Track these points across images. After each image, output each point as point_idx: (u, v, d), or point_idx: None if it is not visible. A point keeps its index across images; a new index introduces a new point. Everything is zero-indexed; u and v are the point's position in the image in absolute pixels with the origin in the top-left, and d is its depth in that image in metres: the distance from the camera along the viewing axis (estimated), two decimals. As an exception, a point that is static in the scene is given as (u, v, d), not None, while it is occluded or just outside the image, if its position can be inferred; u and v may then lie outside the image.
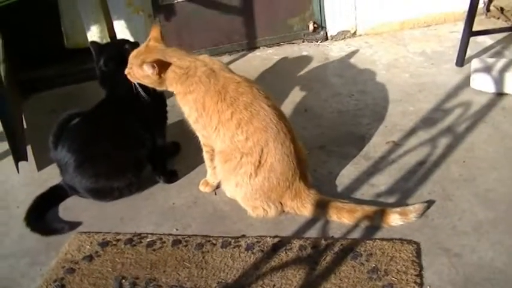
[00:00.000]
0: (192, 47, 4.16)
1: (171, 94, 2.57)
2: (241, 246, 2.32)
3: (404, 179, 2.62)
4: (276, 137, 2.39)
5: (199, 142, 2.64)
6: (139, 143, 2.73)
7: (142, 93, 2.57)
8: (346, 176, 2.71)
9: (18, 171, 2.94)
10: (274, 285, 2.10)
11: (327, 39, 4.40)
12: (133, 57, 2.52)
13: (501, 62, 3.29)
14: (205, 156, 2.67)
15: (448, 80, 3.45)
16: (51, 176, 2.91)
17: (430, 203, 2.41)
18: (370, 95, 3.42)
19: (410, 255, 2.14)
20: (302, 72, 3.90)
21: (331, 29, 4.37)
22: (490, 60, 3.37)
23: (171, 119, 2.88)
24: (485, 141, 2.81)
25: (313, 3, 4.38)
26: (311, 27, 4.43)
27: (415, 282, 2.02)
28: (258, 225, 2.45)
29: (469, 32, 3.51)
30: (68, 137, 2.68)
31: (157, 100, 2.80)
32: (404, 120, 3.08)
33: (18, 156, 2.94)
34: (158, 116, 2.84)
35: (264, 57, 4.27)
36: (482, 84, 3.24)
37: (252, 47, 4.44)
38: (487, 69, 3.25)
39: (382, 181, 2.62)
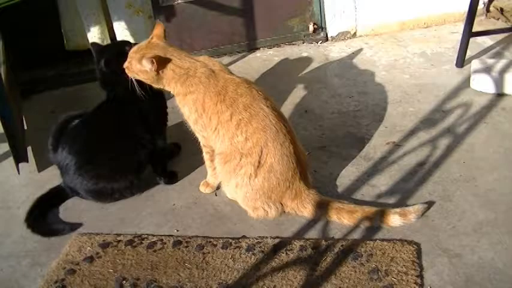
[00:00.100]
0: (192, 48, 4.18)
1: (172, 96, 2.57)
2: (242, 247, 2.32)
3: (404, 179, 2.62)
4: (275, 137, 2.39)
5: (200, 143, 2.64)
6: (139, 145, 2.73)
7: (138, 89, 2.57)
8: (346, 176, 2.71)
9: (18, 172, 2.96)
10: (274, 286, 2.10)
11: (327, 40, 4.41)
12: (133, 51, 2.53)
13: (501, 63, 3.29)
14: (206, 157, 2.67)
15: (448, 81, 3.45)
16: (52, 177, 2.91)
17: (430, 204, 2.41)
18: (370, 96, 3.43)
19: (411, 255, 2.14)
20: (302, 73, 3.91)
21: (331, 30, 4.38)
22: (490, 61, 3.37)
23: (171, 120, 2.89)
24: (485, 142, 2.81)
25: (314, 4, 4.38)
26: (311, 28, 4.43)
27: (416, 283, 2.02)
28: (258, 226, 2.45)
29: (469, 32, 3.52)
30: (69, 138, 2.69)
31: (158, 101, 2.80)
32: (404, 121, 3.09)
33: (19, 157, 2.95)
34: (159, 117, 2.84)
35: (264, 58, 4.28)
36: (482, 85, 3.24)
37: (252, 48, 4.44)
38: (487, 70, 3.26)
39: (382, 182, 2.63)
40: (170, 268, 2.26)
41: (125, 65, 2.53)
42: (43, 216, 2.69)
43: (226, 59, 4.31)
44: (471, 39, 3.56)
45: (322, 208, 2.41)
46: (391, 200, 2.50)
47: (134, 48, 2.55)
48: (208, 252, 2.32)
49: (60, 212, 2.75)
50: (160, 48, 2.51)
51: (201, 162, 2.73)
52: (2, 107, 2.87)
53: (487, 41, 3.89)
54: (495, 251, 2.13)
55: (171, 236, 2.46)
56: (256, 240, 2.34)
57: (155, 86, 2.56)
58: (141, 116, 2.73)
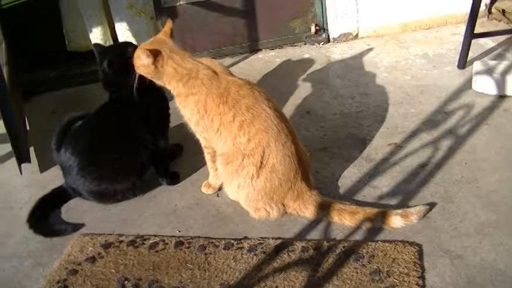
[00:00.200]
0: (194, 50, 4.18)
1: (173, 96, 2.58)
2: (244, 248, 2.32)
3: (406, 181, 2.62)
4: (278, 137, 2.39)
5: (202, 144, 2.64)
6: (142, 146, 2.73)
7: (135, 91, 2.59)
8: (348, 177, 2.71)
9: (21, 173, 2.96)
10: (276, 287, 2.10)
11: (329, 41, 4.41)
12: (140, 47, 2.55)
13: (503, 64, 3.29)
14: (207, 158, 2.68)
15: (450, 82, 3.45)
16: (54, 178, 2.92)
17: (432, 205, 2.41)
18: (372, 97, 3.43)
19: (413, 257, 2.14)
20: (304, 75, 3.91)
21: (333, 32, 4.38)
22: (492, 63, 3.37)
23: (173, 121, 2.89)
24: (487, 143, 2.81)
25: (315, 6, 4.39)
26: (313, 29, 4.44)
27: (417, 284, 2.02)
28: (260, 227, 2.45)
29: (471, 34, 3.52)
30: (72, 139, 2.69)
31: (160, 102, 2.81)
32: (406, 123, 3.09)
33: (21, 158, 2.95)
34: (161, 118, 2.84)
35: (266, 59, 4.28)
36: (484, 86, 3.24)
37: (254, 49, 4.44)
38: (489, 71, 3.25)
39: (384, 183, 2.63)
40: (172, 269, 2.26)
41: (133, 60, 2.56)
42: (45, 217, 2.69)
43: (228, 60, 4.31)
44: (473, 41, 3.56)
45: (324, 209, 2.41)
46: (393, 201, 2.50)
47: (142, 44, 2.59)
48: (210, 253, 2.32)
49: (62, 213, 2.75)
50: (162, 44, 2.53)
51: (203, 163, 2.73)
52: (5, 108, 2.87)
53: (488, 42, 3.89)
54: (497, 252, 2.13)
55: (173, 236, 2.46)
56: (258, 241, 2.35)
57: (157, 82, 2.57)
58: (143, 117, 2.73)
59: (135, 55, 2.53)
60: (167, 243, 2.41)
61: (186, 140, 2.78)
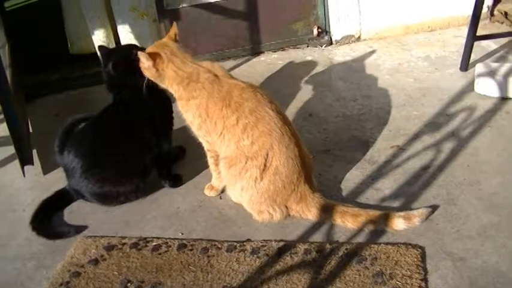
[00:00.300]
0: (196, 52, 4.18)
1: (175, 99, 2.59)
2: (247, 250, 2.32)
3: (408, 183, 2.62)
4: (281, 140, 2.40)
5: (204, 147, 2.65)
6: (145, 148, 2.74)
7: (144, 87, 2.59)
8: (350, 180, 2.71)
9: (24, 175, 2.97)
10: (279, 289, 2.11)
11: (331, 43, 4.42)
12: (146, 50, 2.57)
13: (505, 67, 3.29)
14: (210, 161, 2.68)
15: (452, 85, 3.45)
16: (57, 180, 2.92)
17: (434, 207, 2.41)
18: (374, 100, 3.43)
19: (415, 259, 2.14)
20: (306, 77, 3.91)
21: (336, 34, 4.38)
22: (494, 65, 3.37)
23: (176, 123, 2.89)
24: (490, 146, 2.81)
25: (318, 8, 4.39)
26: (315, 31, 4.44)
27: (420, 286, 2.02)
28: (263, 229, 2.46)
29: (473, 36, 3.52)
30: (75, 141, 2.69)
31: (164, 104, 2.81)
32: (409, 125, 3.09)
33: (24, 160, 2.96)
34: (165, 120, 2.85)
35: (269, 62, 4.28)
36: (487, 88, 3.24)
37: (256, 51, 4.45)
38: (491, 73, 3.26)
39: (386, 185, 2.63)
40: (175, 271, 2.27)
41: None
42: (48, 219, 2.69)
43: (230, 63, 4.32)
44: (475, 43, 3.56)
45: (326, 211, 2.41)
46: (396, 204, 2.50)
47: (148, 47, 2.60)
48: (213, 255, 2.32)
49: (65, 215, 2.76)
50: (164, 47, 2.54)
51: (206, 165, 2.74)
52: (8, 110, 2.88)
53: (491, 44, 3.89)
54: (499, 254, 2.13)
55: (176, 239, 2.47)
56: (260, 244, 2.35)
57: (160, 84, 2.58)
58: (147, 119, 2.74)
59: (139, 58, 2.54)
60: (170, 246, 2.41)
61: (189, 142, 2.78)
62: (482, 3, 3.46)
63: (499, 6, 4.34)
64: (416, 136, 2.98)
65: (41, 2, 5.64)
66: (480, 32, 3.59)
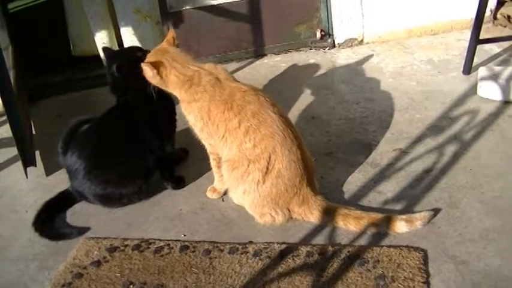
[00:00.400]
0: (199, 54, 4.19)
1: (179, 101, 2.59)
2: (249, 252, 2.32)
3: (411, 186, 2.62)
4: (283, 143, 2.40)
5: (207, 149, 2.65)
6: (148, 150, 2.74)
7: (153, 92, 2.60)
8: (353, 183, 2.71)
9: (26, 176, 2.97)
10: (281, 292, 2.11)
11: (334, 46, 4.42)
12: (145, 61, 2.56)
13: (508, 70, 3.29)
14: (212, 163, 2.68)
15: (455, 88, 3.45)
16: (60, 182, 2.93)
17: (436, 211, 2.41)
18: (377, 103, 3.43)
19: (417, 262, 2.14)
20: (309, 80, 3.91)
21: (339, 37, 4.38)
22: (497, 68, 3.37)
23: (179, 125, 2.89)
24: (492, 149, 2.81)
25: (321, 11, 4.39)
26: (318, 34, 4.44)
27: (422, 289, 2.03)
28: (265, 232, 2.46)
29: (476, 40, 3.52)
30: (78, 143, 2.70)
31: (167, 106, 2.81)
32: (411, 128, 3.09)
33: (27, 161, 2.96)
34: (168, 122, 2.85)
35: (272, 64, 4.28)
36: (489, 92, 3.24)
37: (259, 54, 4.45)
38: (494, 77, 3.26)
39: (389, 188, 2.63)
40: (177, 273, 2.27)
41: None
42: (51, 220, 2.70)
43: (233, 65, 4.32)
44: (478, 47, 3.56)
45: (329, 214, 2.41)
46: (398, 207, 2.50)
47: (148, 55, 2.59)
48: (215, 257, 2.32)
49: (67, 216, 2.76)
50: (165, 53, 2.53)
51: (208, 167, 2.74)
52: (11, 111, 2.89)
53: (494, 48, 3.89)
54: (502, 257, 2.13)
55: (178, 240, 2.47)
56: (263, 246, 2.35)
57: (165, 89, 2.58)
58: (150, 121, 2.74)
59: (143, 68, 2.53)
60: (172, 248, 2.42)
61: (192, 144, 2.78)
62: (485, 6, 3.46)
63: (502, 10, 4.34)
64: (418, 139, 2.98)
65: (44, 3, 5.65)
66: (483, 35, 3.59)
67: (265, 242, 2.37)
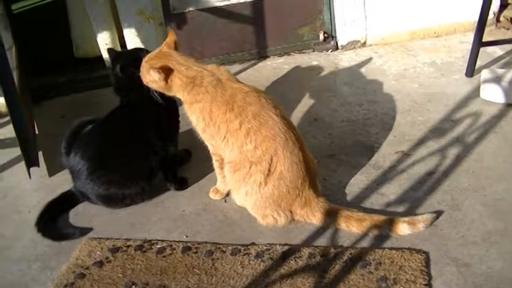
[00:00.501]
0: (202, 56, 4.20)
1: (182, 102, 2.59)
2: (251, 253, 2.33)
3: (413, 188, 2.62)
4: (285, 145, 2.40)
5: (210, 150, 2.65)
6: (152, 151, 2.74)
7: (156, 96, 2.60)
8: (355, 185, 2.71)
9: (29, 177, 2.97)
10: (283, 293, 2.11)
11: (337, 48, 4.41)
12: (144, 61, 2.56)
13: (511, 73, 3.29)
14: (215, 164, 2.69)
15: (458, 91, 3.45)
16: (63, 182, 2.93)
17: (439, 213, 2.41)
18: (379, 105, 3.43)
19: (419, 264, 2.14)
20: (312, 82, 3.92)
21: (342, 39, 4.38)
22: (500, 71, 3.37)
23: (182, 126, 2.89)
24: (495, 152, 2.81)
25: (324, 13, 4.39)
26: (321, 36, 4.44)
27: (424, 292, 2.03)
28: (267, 233, 2.46)
29: (479, 42, 3.52)
30: (82, 143, 2.70)
31: (171, 107, 2.82)
32: (414, 130, 3.09)
33: (30, 161, 2.97)
34: (171, 123, 2.85)
35: (275, 66, 4.29)
36: (492, 94, 3.24)
37: (262, 56, 4.45)
38: (497, 79, 3.26)
39: (391, 190, 2.63)
40: (179, 274, 2.27)
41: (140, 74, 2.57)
42: (53, 221, 2.71)
43: (236, 67, 4.32)
44: (481, 49, 3.56)
45: (331, 216, 2.42)
46: (400, 209, 2.50)
47: (146, 58, 2.58)
48: (218, 259, 2.33)
49: (70, 217, 2.77)
50: (168, 57, 2.53)
51: (211, 169, 2.74)
52: (15, 112, 2.89)
53: (497, 50, 3.89)
54: (504, 260, 2.13)
55: (181, 241, 2.47)
56: (265, 247, 2.35)
57: (167, 93, 2.58)
58: (153, 122, 2.75)
59: (144, 70, 2.53)
60: (174, 248, 2.42)
61: (195, 145, 2.79)
62: (489, 9, 3.46)
63: (505, 13, 4.34)
64: (421, 141, 2.98)
65: (48, 4, 5.66)
66: (486, 38, 3.58)
67: (268, 244, 2.38)
